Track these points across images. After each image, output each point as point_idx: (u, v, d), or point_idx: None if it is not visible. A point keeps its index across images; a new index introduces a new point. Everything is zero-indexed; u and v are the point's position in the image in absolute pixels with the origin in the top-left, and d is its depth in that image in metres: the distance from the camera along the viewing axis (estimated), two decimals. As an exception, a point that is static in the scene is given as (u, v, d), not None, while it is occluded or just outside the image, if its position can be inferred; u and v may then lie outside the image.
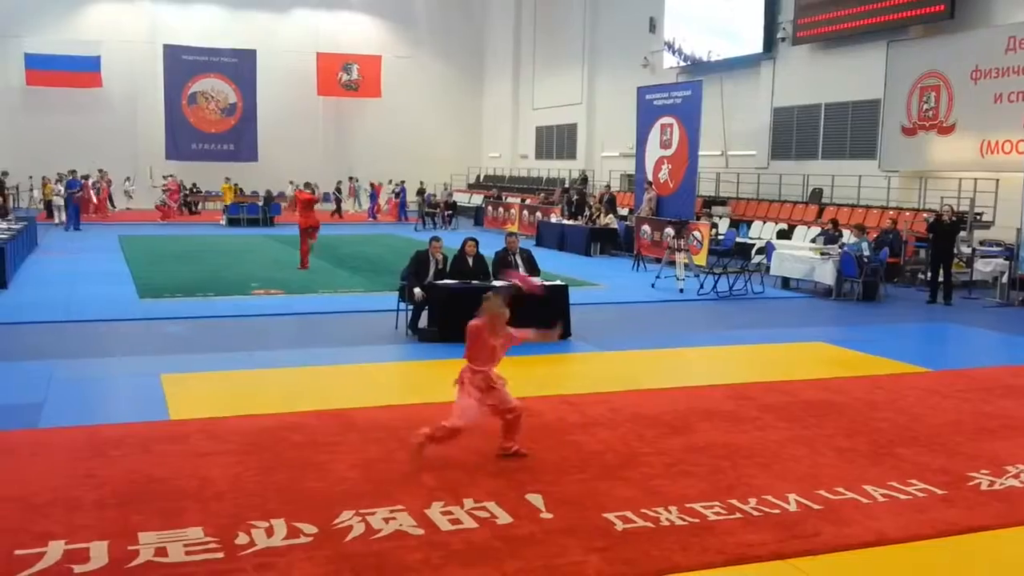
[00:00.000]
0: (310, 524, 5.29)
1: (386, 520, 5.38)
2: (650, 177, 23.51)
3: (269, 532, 5.18)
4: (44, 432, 7.23)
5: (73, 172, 28.92)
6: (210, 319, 12.53)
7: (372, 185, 35.89)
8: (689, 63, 27.82)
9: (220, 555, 4.89)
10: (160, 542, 5.01)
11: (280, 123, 38.07)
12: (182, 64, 37.12)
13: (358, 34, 40.11)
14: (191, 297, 14.40)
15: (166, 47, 36.81)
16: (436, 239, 11.95)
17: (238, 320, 12.58)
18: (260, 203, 31.36)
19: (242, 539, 5.07)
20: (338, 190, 35.90)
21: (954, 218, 15.64)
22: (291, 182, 22.23)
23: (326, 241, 20.96)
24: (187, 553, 4.89)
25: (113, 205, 33.58)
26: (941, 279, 15.37)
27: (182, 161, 36.84)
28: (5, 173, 30.19)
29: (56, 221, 28.50)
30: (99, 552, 4.88)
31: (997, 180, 18.03)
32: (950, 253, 15.46)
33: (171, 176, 33.88)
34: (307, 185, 22.88)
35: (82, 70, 35.22)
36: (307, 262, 17.93)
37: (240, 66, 37.76)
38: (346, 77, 39.61)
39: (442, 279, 11.54)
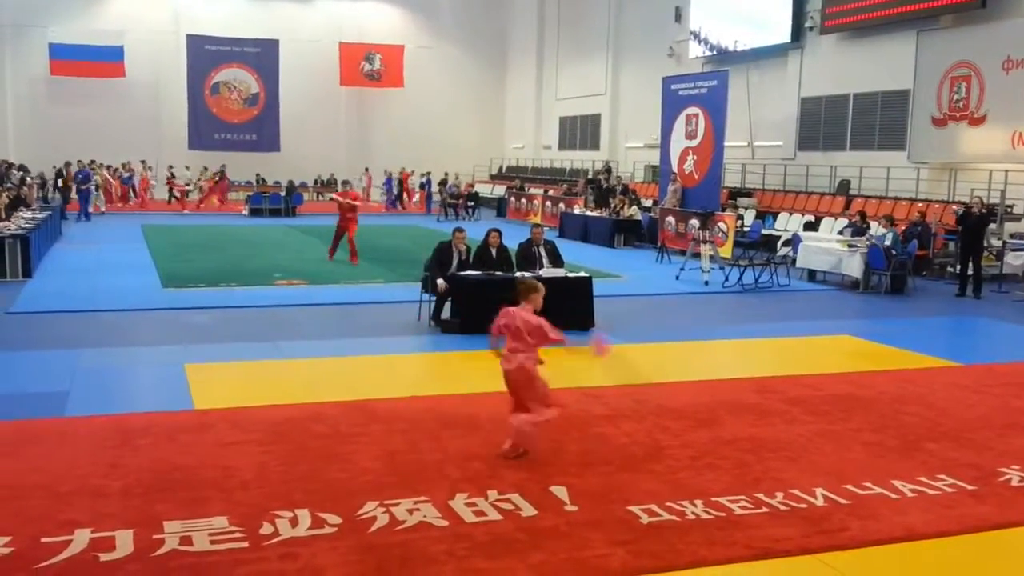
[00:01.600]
0: (334, 515, 5.28)
1: (410, 511, 5.37)
2: (675, 168, 23.35)
3: (293, 522, 5.18)
4: (70, 421, 7.27)
5: (90, 163, 29.06)
6: (233, 309, 12.57)
7: (390, 175, 35.84)
8: (715, 53, 27.59)
9: (245, 544, 4.89)
10: (185, 531, 5.02)
11: (302, 113, 38.15)
12: (205, 54, 37.25)
13: (381, 24, 40.09)
14: (214, 287, 14.45)
15: (189, 37, 36.93)
16: (460, 230, 11.93)
17: (261, 310, 12.61)
18: (283, 193, 31.47)
19: (266, 529, 5.08)
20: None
21: (984, 210, 15.41)
22: (346, 180, 21.73)
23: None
24: (212, 542, 4.90)
25: (151, 195, 33.81)
26: (970, 272, 15.16)
27: (205, 151, 37.02)
28: (23, 167, 30.31)
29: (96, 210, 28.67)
30: (124, 541, 4.89)
31: (1028, 172, 17.77)
32: (980, 246, 15.24)
33: (219, 167, 33.79)
34: (346, 183, 22.12)
35: (106, 60, 35.39)
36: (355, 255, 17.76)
37: (263, 56, 37.85)
38: (368, 67, 39.61)
39: (465, 270, 11.51)
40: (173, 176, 33.37)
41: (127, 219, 27.39)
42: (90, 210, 27.40)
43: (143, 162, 33.23)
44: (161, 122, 36.99)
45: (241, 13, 38.08)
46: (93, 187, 28.26)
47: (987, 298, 15.02)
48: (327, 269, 16.81)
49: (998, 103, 18.81)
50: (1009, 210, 17.95)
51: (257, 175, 35.19)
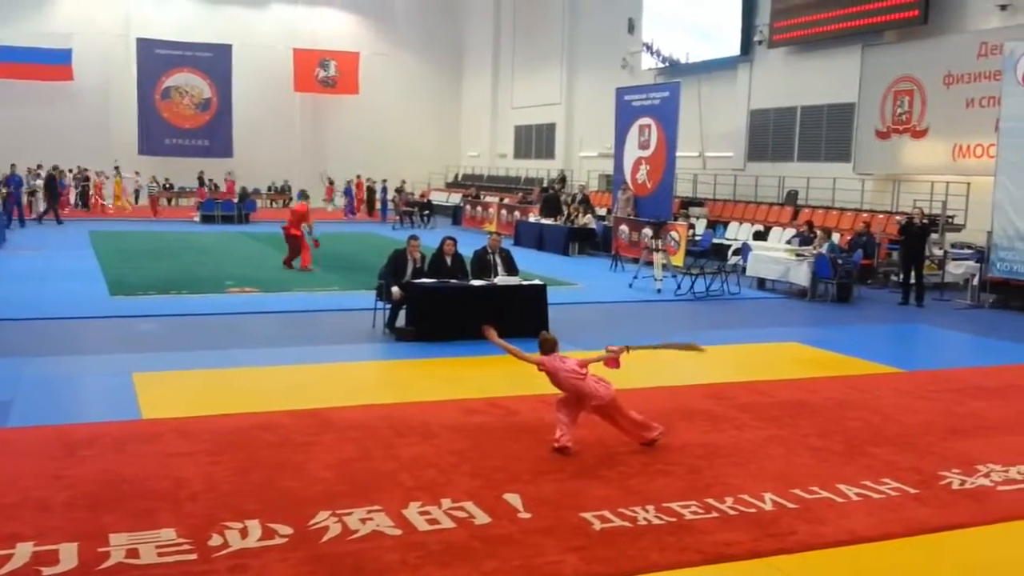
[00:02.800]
0: (285, 525, 5.24)
1: (363, 520, 5.35)
2: (628, 177, 23.56)
3: (243, 533, 5.13)
4: (12, 431, 7.13)
5: (53, 167, 28.52)
6: (184, 317, 12.41)
7: (349, 183, 35.69)
8: (667, 64, 27.92)
9: (193, 556, 4.83)
10: (132, 543, 4.95)
11: (256, 119, 37.78)
12: (156, 58, 36.75)
13: (336, 30, 39.90)
14: (164, 295, 14.26)
15: (140, 41, 36.43)
16: (414, 238, 11.93)
17: (212, 318, 12.47)
18: (235, 200, 31.13)
19: (216, 540, 5.02)
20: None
21: (925, 221, 15.79)
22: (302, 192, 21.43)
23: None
24: (159, 555, 4.83)
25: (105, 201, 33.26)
26: (913, 281, 15.51)
27: (155, 156, 36.50)
28: None
29: (32, 215, 28.03)
30: (69, 554, 4.81)
31: (968, 184, 18.22)
32: (921, 255, 15.60)
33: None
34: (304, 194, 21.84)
35: (53, 63, 34.70)
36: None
37: (215, 61, 37.43)
38: (323, 73, 39.39)
39: (420, 278, 11.50)
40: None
41: (84, 225, 26.83)
42: (28, 215, 26.83)
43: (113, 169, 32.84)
44: (110, 127, 36.37)
45: (193, 17, 37.67)
46: (28, 192, 27.68)
47: (929, 306, 15.37)
48: (280, 276, 16.66)
49: (939, 117, 19.29)
50: (950, 221, 18.40)
51: (210, 180, 34.68)
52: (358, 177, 35.98)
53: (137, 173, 34.42)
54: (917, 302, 15.35)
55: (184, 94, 37.61)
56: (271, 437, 6.96)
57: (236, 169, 36.15)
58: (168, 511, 5.43)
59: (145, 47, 36.51)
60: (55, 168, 30.00)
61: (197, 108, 37.81)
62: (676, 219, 21.17)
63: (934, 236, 17.11)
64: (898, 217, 17.75)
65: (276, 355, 10.21)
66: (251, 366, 9.65)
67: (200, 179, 35.18)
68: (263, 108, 38.15)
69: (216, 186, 34.79)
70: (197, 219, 30.01)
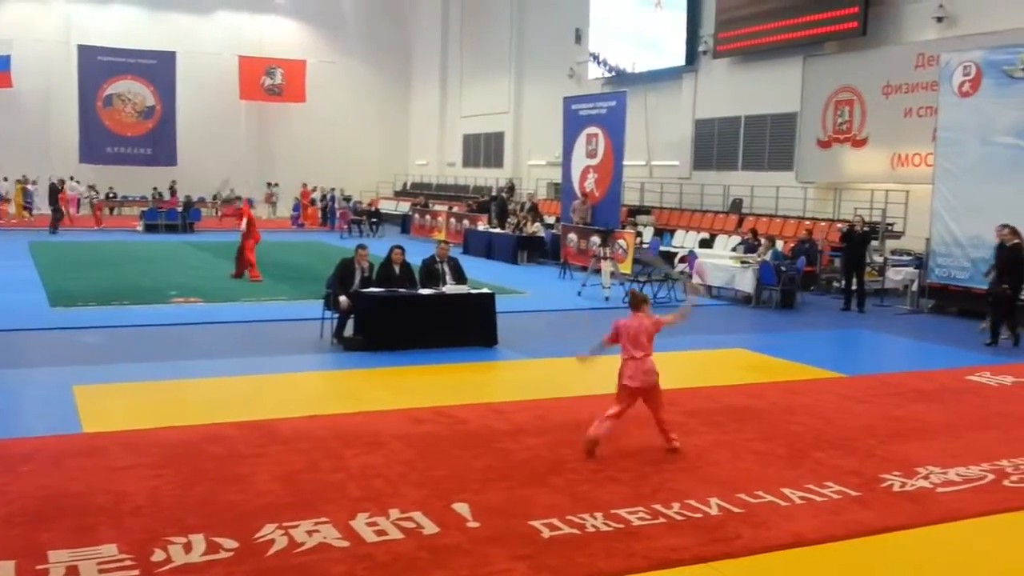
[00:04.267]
0: (230, 539, 5.18)
1: (309, 533, 5.31)
2: (576, 186, 23.72)
3: (187, 548, 5.05)
4: (-52, 447, 6.93)
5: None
6: (126, 328, 12.20)
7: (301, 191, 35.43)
8: (614, 74, 28.16)
9: (135, 573, 4.75)
10: (72, 560, 4.85)
11: (201, 127, 37.26)
12: (97, 65, 36.06)
13: (282, 38, 39.56)
14: (106, 306, 13.99)
15: (81, 47, 35.74)
16: (362, 247, 11.87)
17: (156, 329, 12.27)
18: (179, 208, 30.67)
19: (159, 556, 4.94)
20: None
21: (865, 228, 16.13)
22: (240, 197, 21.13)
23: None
24: (100, 571, 4.75)
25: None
26: (855, 287, 15.82)
27: (96, 164, 35.81)
28: None
29: None
30: (6, 572, 4.70)
31: (907, 192, 18.66)
32: (862, 262, 15.92)
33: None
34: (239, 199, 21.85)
35: (-8, 70, 34.00)
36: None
37: (159, 68, 36.84)
38: (269, 81, 39.01)
39: (368, 287, 11.45)
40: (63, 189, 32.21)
41: (24, 235, 26.22)
42: None
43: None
44: (50, 134, 35.61)
45: (136, 24, 37.06)
46: None
47: (870, 312, 15.70)
48: (226, 286, 16.45)
49: (879, 126, 19.75)
50: (890, 228, 18.83)
51: (154, 189, 34.14)
52: (304, 186, 35.65)
53: (74, 180, 33.64)
54: (859, 308, 15.66)
55: (127, 102, 36.97)
56: (216, 449, 6.87)
57: (180, 178, 35.61)
58: (110, 526, 5.33)
59: (86, 54, 35.82)
60: None
61: (140, 116, 37.19)
62: (624, 227, 21.36)
63: (875, 243, 17.48)
64: (839, 225, 18.12)
65: (221, 366, 10.08)
66: (196, 377, 9.51)
67: (172, 189, 34.66)
68: (208, 116, 37.64)
69: (160, 195, 34.26)
70: (140, 229, 29.52)
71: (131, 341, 11.38)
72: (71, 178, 33.60)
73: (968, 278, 15.11)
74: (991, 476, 6.75)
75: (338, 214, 31.99)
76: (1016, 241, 12.79)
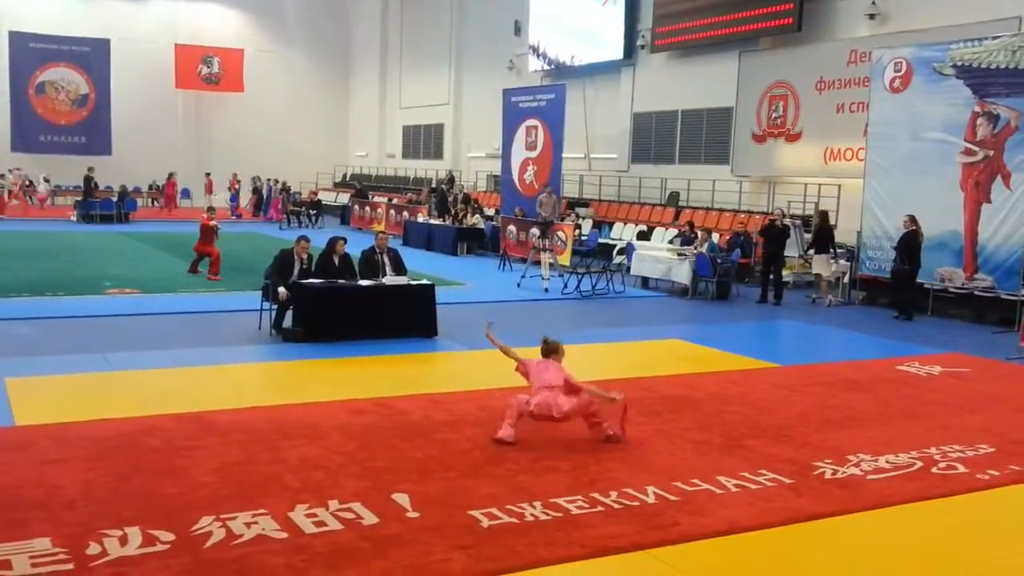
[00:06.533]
0: (167, 531, 5.12)
1: (247, 525, 5.27)
2: (515, 178, 23.77)
3: (123, 541, 4.99)
4: None
5: None
6: (60, 319, 11.93)
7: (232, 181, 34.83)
8: (553, 67, 28.27)
9: (70, 566, 4.68)
10: (3, 555, 4.75)
11: (136, 116, 36.43)
12: (29, 52, 35.04)
13: (219, 26, 38.85)
14: (39, 296, 13.67)
15: (12, 34, 34.70)
16: (304, 238, 11.79)
17: (91, 320, 12.01)
18: (115, 199, 30.00)
19: (93, 549, 4.87)
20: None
21: (786, 223, 16.45)
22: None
23: (184, 238, 20.27)
24: (33, 565, 4.66)
25: None
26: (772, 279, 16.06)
27: (29, 153, 34.83)
28: None
29: None
30: (-65, 568, 4.59)
31: (839, 186, 19.08)
32: (780, 255, 16.19)
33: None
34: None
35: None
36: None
37: (93, 55, 35.93)
38: (207, 70, 38.32)
39: (307, 278, 11.36)
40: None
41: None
42: None
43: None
44: (-21, 122, 34.56)
45: (69, 10, 36.04)
46: None
47: (803, 304, 16.03)
48: (162, 277, 16.17)
49: (812, 121, 20.17)
50: (823, 221, 19.21)
51: (89, 174, 33.28)
52: (235, 176, 35.01)
53: (9, 171, 32.74)
54: (776, 300, 15.91)
55: (60, 89, 36.00)
56: (152, 442, 6.77)
57: (116, 167, 34.77)
58: (43, 520, 5.23)
59: (18, 40, 34.79)
60: None
61: (74, 104, 36.25)
62: (563, 219, 21.48)
63: (806, 236, 17.86)
64: (772, 217, 18.43)
65: (158, 358, 9.92)
66: (131, 369, 9.34)
67: (89, 178, 33.75)
68: (144, 105, 36.80)
69: (96, 184, 33.44)
70: (75, 218, 28.84)
71: (65, 333, 11.14)
72: (45, 179, 32.88)
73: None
74: (919, 463, 6.96)
75: (271, 203, 31.64)
76: (912, 228, 14.48)
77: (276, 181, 33.37)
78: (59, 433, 6.93)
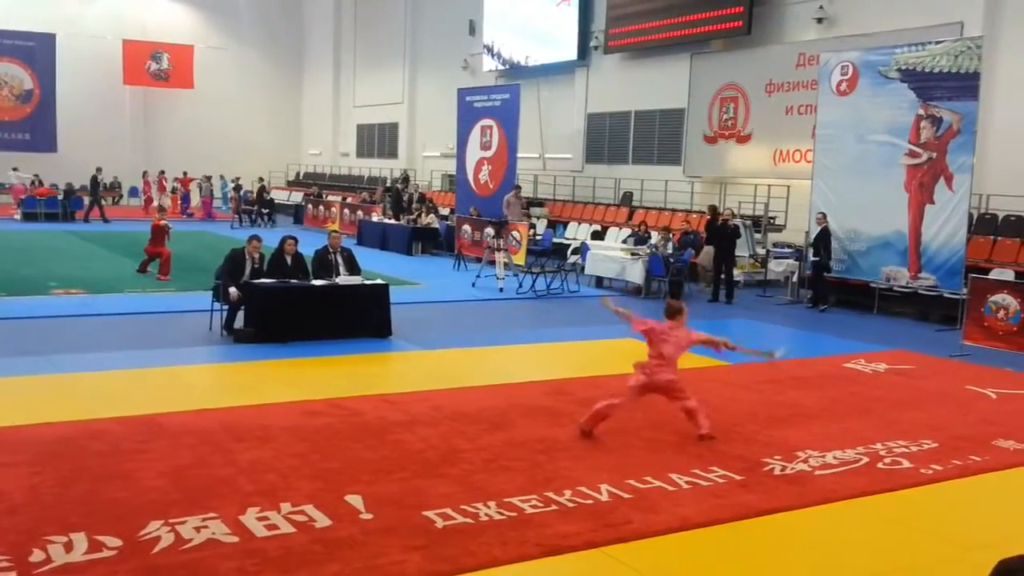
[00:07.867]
0: (114, 537, 5.03)
1: (197, 529, 5.20)
2: (470, 177, 23.75)
3: (68, 547, 4.89)
4: None
5: None
6: (3, 321, 11.64)
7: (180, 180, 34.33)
8: (508, 67, 28.31)
9: (12, 574, 4.57)
10: (-57, 563, 4.64)
11: (83, 112, 35.76)
12: (-29, 47, 34.27)
13: (168, 22, 38.29)
14: (-21, 298, 13.34)
15: (-48, 28, 33.91)
16: (256, 238, 11.66)
17: (34, 321, 11.76)
18: (60, 196, 29.39)
19: (37, 556, 4.77)
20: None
21: (735, 223, 16.65)
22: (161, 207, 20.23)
23: (134, 237, 19.97)
24: (-25, 573, 4.55)
25: None
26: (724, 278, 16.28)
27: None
28: None
29: None
30: None
31: (788, 187, 19.38)
32: (731, 254, 16.40)
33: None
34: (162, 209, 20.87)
35: None
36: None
37: (38, 50, 35.16)
38: (155, 66, 37.72)
39: (259, 278, 11.24)
40: None
41: None
42: None
43: None
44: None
45: (13, 4, 35.20)
46: None
47: (752, 302, 16.23)
48: (109, 277, 15.87)
49: (762, 123, 20.44)
50: (772, 221, 19.52)
51: (35, 175, 32.63)
52: (185, 174, 34.50)
53: (17, 170, 32.00)
54: (727, 299, 16.13)
55: (3, 85, 35.18)
56: (99, 446, 6.65)
57: (61, 164, 34.05)
58: (-16, 528, 5.11)
59: (-42, 35, 33.97)
60: None
61: (17, 100, 35.44)
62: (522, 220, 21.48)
63: (757, 236, 18.10)
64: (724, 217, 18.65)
65: (104, 359, 9.73)
66: (77, 372, 9.16)
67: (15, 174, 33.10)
68: (91, 101, 36.16)
69: (40, 182, 32.75)
70: (18, 217, 28.19)
71: (7, 334, 10.88)
72: (14, 169, 32.10)
73: (844, 270, 15.83)
74: (866, 459, 7.09)
75: (202, 201, 31.50)
76: (825, 224, 15.57)
77: (234, 179, 32.95)
78: (2, 437, 6.77)
